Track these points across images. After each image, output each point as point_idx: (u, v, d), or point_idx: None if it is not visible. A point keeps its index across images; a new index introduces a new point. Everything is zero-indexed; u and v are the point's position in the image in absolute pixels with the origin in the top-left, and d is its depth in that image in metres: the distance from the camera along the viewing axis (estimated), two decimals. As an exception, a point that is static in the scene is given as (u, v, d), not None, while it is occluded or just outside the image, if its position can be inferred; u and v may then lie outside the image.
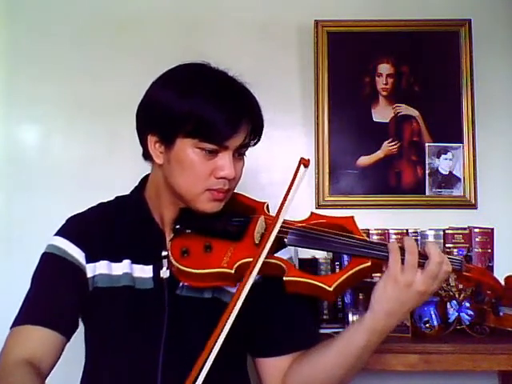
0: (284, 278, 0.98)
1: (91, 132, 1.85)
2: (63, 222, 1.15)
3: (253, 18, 1.88)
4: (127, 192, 1.20)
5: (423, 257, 0.94)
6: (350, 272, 0.97)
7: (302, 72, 1.88)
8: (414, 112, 1.85)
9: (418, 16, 1.86)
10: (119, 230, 1.12)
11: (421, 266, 0.94)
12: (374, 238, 1.66)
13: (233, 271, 0.99)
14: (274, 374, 1.09)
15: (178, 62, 1.10)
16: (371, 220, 1.70)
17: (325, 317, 1.62)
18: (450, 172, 1.83)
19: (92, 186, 1.79)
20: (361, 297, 1.58)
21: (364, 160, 1.84)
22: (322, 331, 1.50)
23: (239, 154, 1.07)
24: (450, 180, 1.83)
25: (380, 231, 1.69)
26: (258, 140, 1.10)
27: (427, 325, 1.49)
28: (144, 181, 1.18)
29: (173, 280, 1.07)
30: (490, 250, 1.66)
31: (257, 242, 1.02)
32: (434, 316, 1.49)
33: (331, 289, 0.95)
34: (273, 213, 1.09)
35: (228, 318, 0.90)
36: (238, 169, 1.07)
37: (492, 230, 1.67)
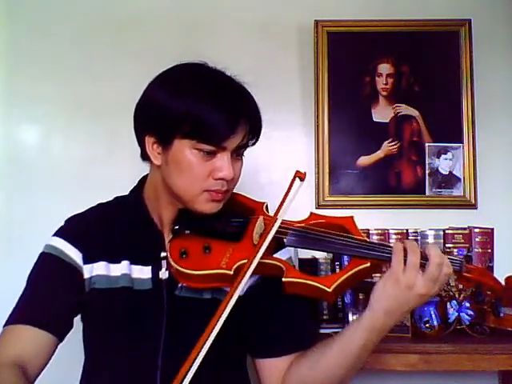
0: (283, 279, 0.98)
1: (91, 132, 1.85)
2: (63, 222, 1.16)
3: (253, 18, 1.88)
4: (127, 192, 1.20)
5: (424, 258, 0.94)
6: (349, 273, 0.97)
7: (301, 72, 1.88)
8: (414, 112, 1.85)
9: (418, 16, 1.86)
10: (118, 230, 1.12)
11: (422, 267, 0.93)
12: (374, 238, 1.66)
13: (231, 272, 0.99)
14: (274, 374, 1.09)
15: (178, 62, 1.10)
16: (371, 220, 1.70)
17: (325, 317, 1.61)
18: (450, 172, 1.83)
19: (92, 186, 1.79)
20: (361, 297, 1.58)
21: (364, 160, 1.84)
22: (321, 331, 1.50)
23: (237, 154, 1.07)
24: (450, 180, 1.83)
25: (380, 231, 1.69)
26: (257, 140, 1.10)
27: (427, 325, 1.49)
28: (142, 181, 1.18)
29: (172, 281, 1.07)
30: (489, 250, 1.65)
31: (255, 242, 1.02)
32: (433, 316, 1.49)
33: (330, 290, 0.95)
34: (272, 213, 1.10)
35: (220, 317, 0.90)
36: (237, 169, 1.07)
37: (492, 229, 1.67)
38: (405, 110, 1.85)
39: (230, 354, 1.12)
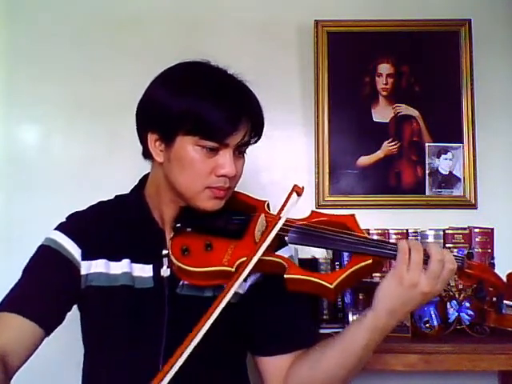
0: (285, 276, 0.98)
1: (91, 132, 1.85)
2: (64, 219, 1.15)
3: (253, 17, 1.88)
4: (127, 192, 1.20)
5: (426, 257, 0.94)
6: (351, 269, 0.97)
7: (301, 72, 1.88)
8: (414, 112, 1.85)
9: (418, 16, 1.86)
10: (119, 228, 1.12)
11: (425, 264, 0.94)
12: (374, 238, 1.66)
13: (233, 269, 0.99)
14: (275, 373, 1.09)
15: (180, 61, 1.10)
16: (371, 220, 1.70)
17: (325, 317, 1.61)
18: (450, 172, 1.83)
19: (92, 186, 1.79)
20: (361, 297, 1.58)
21: (364, 160, 1.84)
22: (321, 331, 1.50)
23: (240, 152, 1.08)
24: (450, 180, 1.83)
25: (380, 231, 1.69)
26: (259, 138, 1.10)
27: (427, 325, 1.49)
28: (144, 180, 1.18)
29: (173, 279, 1.07)
30: (489, 250, 1.66)
31: (257, 240, 1.02)
32: (434, 316, 1.49)
33: (332, 286, 0.95)
34: (273, 211, 1.10)
35: (214, 311, 0.90)
36: (239, 167, 1.07)
37: (492, 229, 1.67)
38: (405, 109, 1.85)
39: (230, 352, 1.12)
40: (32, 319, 1.01)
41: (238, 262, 1.00)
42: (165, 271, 1.09)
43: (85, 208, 1.18)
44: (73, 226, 1.13)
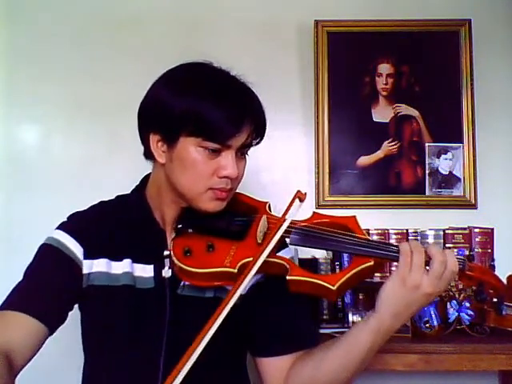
0: (287, 277, 0.98)
1: (91, 132, 1.85)
2: (65, 219, 1.15)
3: (253, 17, 1.88)
4: (127, 192, 1.20)
5: (428, 258, 0.95)
6: (354, 271, 0.97)
7: (301, 72, 1.88)
8: (414, 112, 1.85)
9: (418, 16, 1.86)
10: (120, 228, 1.12)
11: (426, 265, 0.94)
12: (374, 238, 1.66)
13: (236, 270, 0.99)
14: (276, 374, 1.09)
15: (178, 62, 1.10)
16: (371, 220, 1.70)
17: (325, 317, 1.61)
18: (450, 172, 1.83)
19: (92, 186, 1.79)
20: (361, 297, 1.58)
21: (364, 160, 1.84)
22: (322, 331, 1.50)
23: (242, 153, 1.08)
24: (450, 180, 1.83)
25: (380, 231, 1.69)
26: (261, 139, 1.10)
27: (427, 325, 1.49)
28: (145, 180, 1.18)
29: (174, 279, 1.07)
30: (490, 250, 1.66)
31: (259, 241, 1.02)
32: (434, 316, 1.49)
33: (335, 288, 0.95)
34: (274, 213, 1.10)
35: (220, 314, 0.90)
36: (241, 168, 1.08)
37: (492, 230, 1.67)
38: (405, 109, 1.85)
39: (230, 353, 1.12)
40: (36, 317, 1.01)
41: (240, 263, 1.00)
42: (166, 272, 1.09)
43: (86, 208, 1.18)
44: (74, 225, 1.13)
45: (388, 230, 1.70)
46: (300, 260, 1.57)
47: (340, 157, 1.84)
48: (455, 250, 1.61)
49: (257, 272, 0.97)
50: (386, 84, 1.86)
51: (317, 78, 1.85)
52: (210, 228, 1.07)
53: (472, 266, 1.00)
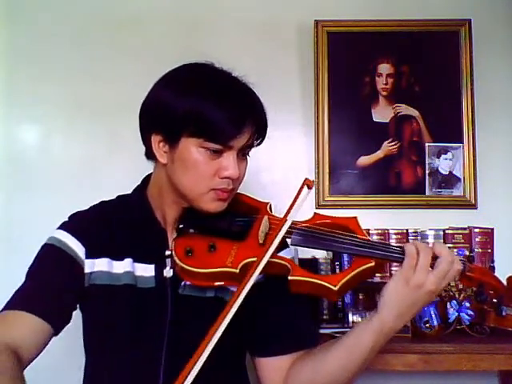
0: (289, 278, 0.98)
1: (91, 132, 1.85)
2: (66, 219, 1.15)
3: (253, 17, 1.88)
4: (127, 192, 1.20)
5: (435, 258, 0.95)
6: (355, 272, 0.97)
7: (301, 72, 1.88)
8: (414, 112, 1.85)
9: (418, 16, 1.86)
10: (121, 228, 1.12)
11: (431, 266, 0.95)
12: (374, 238, 1.66)
13: (237, 271, 0.99)
14: (275, 374, 1.09)
15: (178, 62, 1.10)
16: (371, 220, 1.70)
17: (325, 317, 1.61)
18: (450, 172, 1.83)
19: (92, 186, 1.79)
20: (361, 297, 1.58)
21: (364, 160, 1.84)
22: (322, 331, 1.50)
23: (243, 154, 1.08)
24: (450, 180, 1.83)
25: (380, 231, 1.69)
26: (262, 140, 1.10)
27: (427, 325, 1.49)
28: (146, 180, 1.18)
29: (175, 279, 1.07)
30: (490, 250, 1.66)
31: (261, 241, 1.03)
32: (434, 316, 1.49)
33: (336, 288, 0.95)
34: (275, 213, 1.10)
35: (226, 316, 0.90)
36: (242, 169, 1.08)
37: (492, 230, 1.67)
38: (405, 109, 1.85)
39: (230, 353, 1.12)
40: (41, 316, 1.01)
41: (241, 264, 1.00)
42: (168, 272, 1.09)
43: (87, 208, 1.18)
44: (76, 225, 1.13)
45: (388, 230, 1.69)
46: (300, 260, 1.57)
47: (340, 157, 1.84)
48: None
49: (259, 272, 0.97)
50: (386, 84, 1.86)
51: (317, 78, 1.85)
52: (212, 228, 1.07)
53: (472, 267, 1.01)
